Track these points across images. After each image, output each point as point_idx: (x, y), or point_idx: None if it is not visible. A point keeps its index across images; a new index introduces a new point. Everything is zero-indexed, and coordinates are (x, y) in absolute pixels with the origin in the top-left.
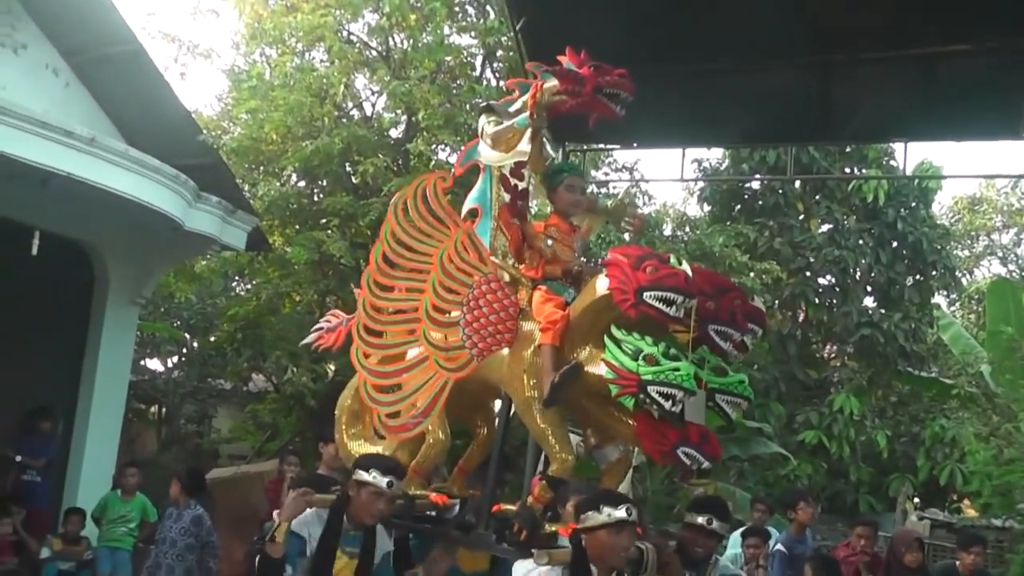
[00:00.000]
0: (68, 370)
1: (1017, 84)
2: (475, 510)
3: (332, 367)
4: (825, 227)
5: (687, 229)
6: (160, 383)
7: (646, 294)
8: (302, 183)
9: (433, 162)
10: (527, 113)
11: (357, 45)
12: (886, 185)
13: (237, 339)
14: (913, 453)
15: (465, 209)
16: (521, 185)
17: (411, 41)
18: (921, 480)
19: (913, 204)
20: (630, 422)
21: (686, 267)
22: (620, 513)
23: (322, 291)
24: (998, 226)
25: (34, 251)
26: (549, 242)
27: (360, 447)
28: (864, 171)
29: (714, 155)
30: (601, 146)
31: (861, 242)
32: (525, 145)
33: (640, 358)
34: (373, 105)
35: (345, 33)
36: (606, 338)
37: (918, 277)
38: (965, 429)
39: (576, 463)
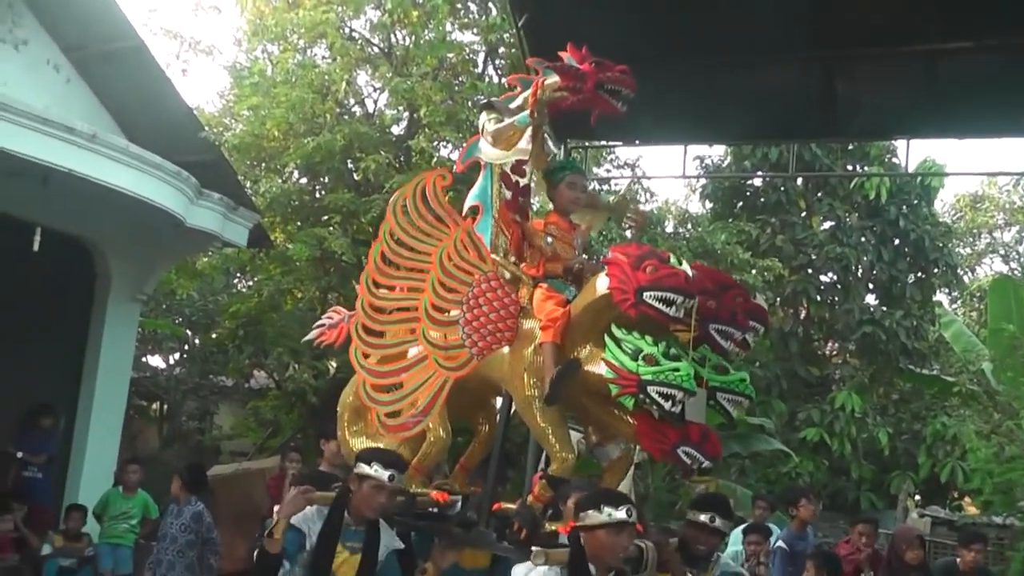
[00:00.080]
0: (69, 366)
1: (1019, 81)
2: (476, 507)
3: (334, 364)
4: (827, 224)
5: (689, 226)
6: (162, 380)
7: (646, 294)
8: (304, 180)
9: (435, 159)
10: (528, 111)
11: (359, 42)
12: (888, 182)
13: (239, 336)
14: (914, 451)
15: (466, 206)
16: (523, 182)
17: (413, 38)
18: (922, 477)
19: (915, 201)
20: (631, 421)
21: (686, 267)
22: (620, 514)
23: (324, 288)
24: (1000, 224)
25: (35, 247)
26: (549, 240)
27: (362, 444)
28: (866, 168)
29: (716, 152)
30: (603, 143)
31: (863, 239)
32: (526, 143)
33: (640, 358)
34: (375, 102)
35: (347, 30)
36: (606, 337)
37: (920, 274)
38: (966, 427)
39: (577, 461)
